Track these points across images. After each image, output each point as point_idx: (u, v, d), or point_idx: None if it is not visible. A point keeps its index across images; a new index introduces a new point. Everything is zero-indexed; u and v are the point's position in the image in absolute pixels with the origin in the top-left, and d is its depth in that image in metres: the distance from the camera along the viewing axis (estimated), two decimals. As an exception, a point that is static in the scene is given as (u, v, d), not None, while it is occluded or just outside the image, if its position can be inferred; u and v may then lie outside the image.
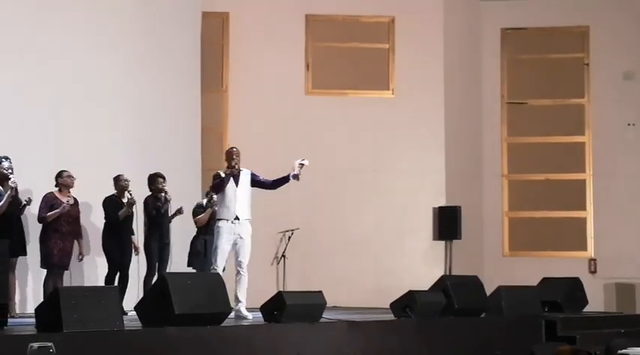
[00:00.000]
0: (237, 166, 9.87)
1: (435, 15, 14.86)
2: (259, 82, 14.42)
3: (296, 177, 9.76)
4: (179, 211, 11.05)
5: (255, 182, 9.93)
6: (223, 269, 9.80)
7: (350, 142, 14.58)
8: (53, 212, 10.14)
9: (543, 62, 15.59)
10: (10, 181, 9.71)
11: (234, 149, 10.06)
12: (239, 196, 9.78)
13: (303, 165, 9.77)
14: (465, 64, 15.38)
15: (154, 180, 10.95)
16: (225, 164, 9.99)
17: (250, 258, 9.89)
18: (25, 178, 10.03)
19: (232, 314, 8.99)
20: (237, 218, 9.73)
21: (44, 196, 10.25)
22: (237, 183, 9.83)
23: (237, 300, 9.65)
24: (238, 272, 9.81)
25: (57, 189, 10.36)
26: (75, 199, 10.41)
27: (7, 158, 9.95)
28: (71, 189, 10.39)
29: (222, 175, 9.83)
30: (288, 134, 14.25)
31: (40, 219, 10.19)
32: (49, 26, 11.51)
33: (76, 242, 10.44)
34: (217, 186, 9.86)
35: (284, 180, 9.89)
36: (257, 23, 14.53)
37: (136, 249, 10.86)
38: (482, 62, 15.63)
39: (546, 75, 15.53)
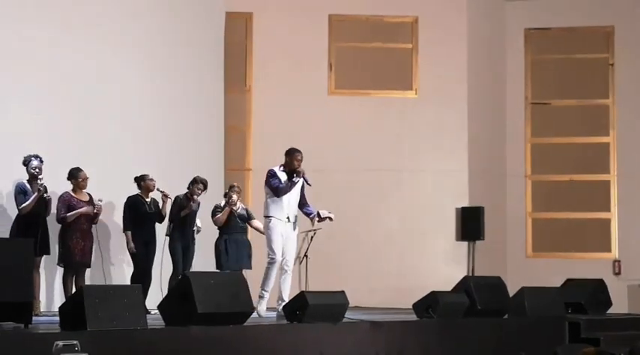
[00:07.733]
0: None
1: (459, 15, 14.81)
2: (282, 82, 14.43)
3: (314, 218, 10.09)
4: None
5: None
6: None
7: (373, 142, 14.55)
8: (74, 212, 10.11)
9: (567, 62, 15.51)
10: (39, 184, 9.75)
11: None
12: (292, 198, 9.97)
13: (329, 218, 10.12)
14: (488, 65, 15.33)
15: (194, 183, 11.06)
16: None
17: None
18: (47, 178, 10.03)
19: (254, 314, 9.00)
20: (288, 219, 9.92)
21: (60, 196, 10.21)
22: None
23: (281, 300, 9.72)
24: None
25: (71, 187, 10.31)
26: (90, 196, 10.37)
27: (37, 157, 9.97)
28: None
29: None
30: (311, 134, 14.22)
31: (60, 219, 10.14)
32: (72, 27, 11.55)
33: (95, 238, 10.45)
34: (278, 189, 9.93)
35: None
36: (280, 23, 14.54)
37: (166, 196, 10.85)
38: (506, 62, 15.57)
39: (570, 75, 15.45)
